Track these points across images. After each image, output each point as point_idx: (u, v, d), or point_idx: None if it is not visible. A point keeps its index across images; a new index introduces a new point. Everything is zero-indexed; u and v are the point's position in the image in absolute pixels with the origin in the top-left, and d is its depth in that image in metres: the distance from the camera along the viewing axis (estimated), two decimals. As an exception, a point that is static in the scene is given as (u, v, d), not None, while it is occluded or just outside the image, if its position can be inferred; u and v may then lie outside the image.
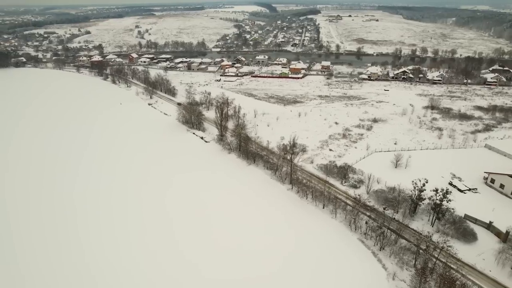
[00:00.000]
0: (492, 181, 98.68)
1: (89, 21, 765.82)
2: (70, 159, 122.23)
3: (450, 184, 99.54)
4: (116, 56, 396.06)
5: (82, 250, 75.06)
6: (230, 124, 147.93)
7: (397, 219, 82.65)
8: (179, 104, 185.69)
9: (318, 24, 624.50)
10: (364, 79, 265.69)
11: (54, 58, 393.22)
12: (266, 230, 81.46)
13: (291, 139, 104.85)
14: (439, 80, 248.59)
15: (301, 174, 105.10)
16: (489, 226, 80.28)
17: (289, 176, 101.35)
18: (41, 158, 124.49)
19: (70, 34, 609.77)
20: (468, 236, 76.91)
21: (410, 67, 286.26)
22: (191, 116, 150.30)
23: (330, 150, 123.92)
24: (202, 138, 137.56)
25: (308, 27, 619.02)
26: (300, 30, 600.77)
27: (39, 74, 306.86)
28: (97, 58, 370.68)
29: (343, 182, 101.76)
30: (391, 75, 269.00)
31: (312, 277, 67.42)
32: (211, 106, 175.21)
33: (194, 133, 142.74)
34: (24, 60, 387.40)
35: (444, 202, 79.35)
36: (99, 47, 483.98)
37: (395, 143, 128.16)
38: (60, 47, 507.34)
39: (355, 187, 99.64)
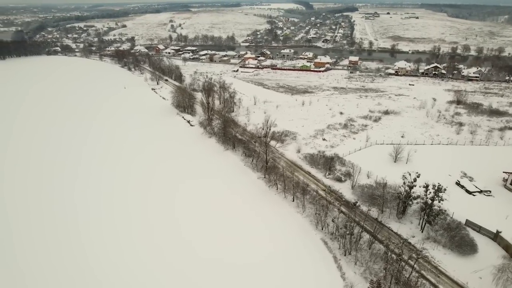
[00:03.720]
0: (513, 183, 79.60)
1: (127, 16, 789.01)
2: (60, 151, 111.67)
3: (457, 184, 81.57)
4: (143, 47, 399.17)
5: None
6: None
7: (373, 218, 67.07)
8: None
9: (354, 21, 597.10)
10: (390, 74, 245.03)
11: (86, 48, 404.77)
12: (219, 225, 69.13)
13: (265, 121, 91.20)
14: (476, 77, 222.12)
15: (279, 162, 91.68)
16: (496, 237, 62.66)
17: (265, 163, 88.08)
18: (40, 146, 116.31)
19: (107, 27, 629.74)
20: (465, 247, 59.90)
21: (445, 64, 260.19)
22: (184, 99, 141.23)
23: (323, 139, 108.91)
24: (188, 121, 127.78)
25: (343, 24, 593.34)
26: (334, 27, 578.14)
27: (63, 60, 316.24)
28: (122, 48, 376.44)
29: (327, 174, 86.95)
30: (421, 70, 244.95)
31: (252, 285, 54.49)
32: (212, 91, 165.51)
33: (183, 117, 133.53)
34: (59, 49, 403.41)
35: (436, 202, 62.81)
36: (131, 40, 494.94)
37: (402, 136, 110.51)
38: (96, 39, 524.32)
39: (339, 180, 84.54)
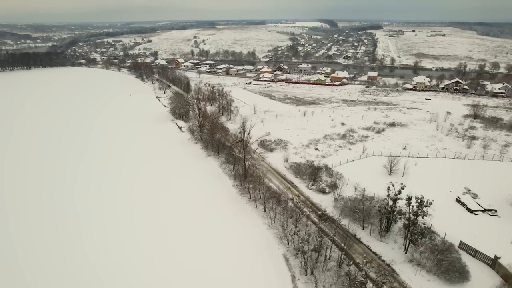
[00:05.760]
0: (524, 203, 68.26)
1: (155, 32, 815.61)
2: (57, 151, 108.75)
3: (458, 201, 71.09)
4: (163, 61, 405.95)
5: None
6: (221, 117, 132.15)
7: (346, 232, 58.21)
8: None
9: (377, 38, 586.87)
10: (408, 89, 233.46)
11: (108, 61, 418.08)
12: (174, 235, 62.28)
13: (242, 124, 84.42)
14: (501, 93, 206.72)
15: (261, 170, 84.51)
16: (494, 263, 52.16)
17: (243, 171, 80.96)
18: (39, 146, 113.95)
19: (133, 42, 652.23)
20: (453, 274, 49.81)
21: (469, 81, 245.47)
22: (181, 106, 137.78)
23: (316, 149, 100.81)
24: (180, 127, 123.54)
25: (365, 41, 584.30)
26: (356, 44, 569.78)
27: (82, 70, 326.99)
28: (141, 61, 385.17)
29: (310, 185, 78.70)
30: (441, 86, 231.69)
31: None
32: (214, 101, 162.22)
33: (176, 123, 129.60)
34: (84, 62, 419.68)
35: (420, 218, 53.32)
36: (155, 54, 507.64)
37: (404, 148, 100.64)
38: (121, 53, 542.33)
39: (323, 191, 76.01)
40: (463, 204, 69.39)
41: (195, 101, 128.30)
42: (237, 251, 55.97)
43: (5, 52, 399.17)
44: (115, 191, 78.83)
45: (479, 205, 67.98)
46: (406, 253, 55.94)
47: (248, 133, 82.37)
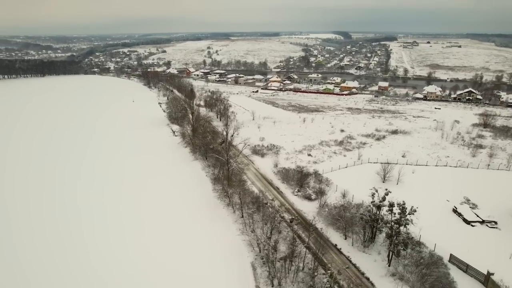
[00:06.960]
0: (529, 215, 61.68)
1: (170, 43, 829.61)
2: (57, 153, 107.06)
3: (454, 211, 65.02)
4: (175, 70, 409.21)
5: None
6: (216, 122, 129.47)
7: (324, 241, 53.26)
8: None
9: (391, 49, 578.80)
10: (418, 98, 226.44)
11: (119, 69, 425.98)
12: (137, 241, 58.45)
13: (225, 125, 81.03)
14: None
15: (247, 175, 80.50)
16: (486, 280, 46.16)
17: (227, 174, 77.04)
18: (41, 153, 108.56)
19: (148, 52, 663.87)
20: (439, 290, 44.29)
21: (483, 92, 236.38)
22: (177, 110, 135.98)
23: (309, 155, 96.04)
24: (174, 131, 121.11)
25: (379, 52, 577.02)
26: (369, 55, 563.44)
27: (94, 78, 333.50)
28: (152, 70, 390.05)
29: (296, 191, 74.00)
30: (453, 95, 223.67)
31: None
32: (214, 106, 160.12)
33: (171, 127, 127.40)
34: (97, 70, 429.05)
35: (402, 228, 47.98)
36: (168, 64, 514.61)
37: (403, 156, 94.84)
38: (135, 62, 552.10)
39: (309, 198, 71.16)
40: (459, 215, 63.31)
41: (191, 105, 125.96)
42: (198, 258, 51.47)
43: (21, 60, 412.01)
44: (100, 192, 75.91)
45: (477, 215, 61.78)
46: (389, 266, 50.44)
47: (232, 135, 78.61)
